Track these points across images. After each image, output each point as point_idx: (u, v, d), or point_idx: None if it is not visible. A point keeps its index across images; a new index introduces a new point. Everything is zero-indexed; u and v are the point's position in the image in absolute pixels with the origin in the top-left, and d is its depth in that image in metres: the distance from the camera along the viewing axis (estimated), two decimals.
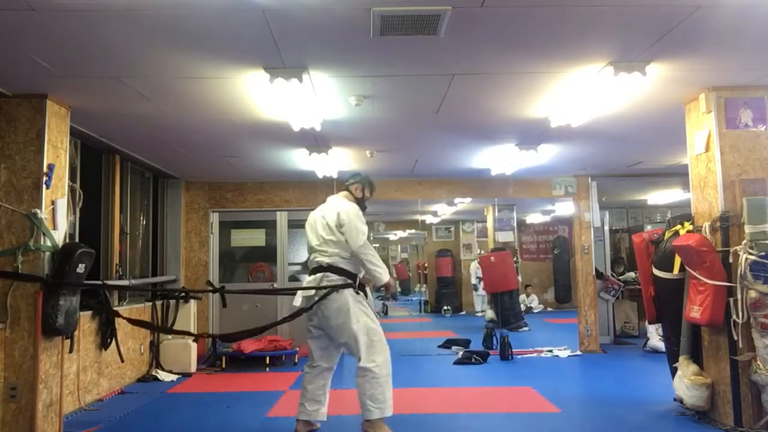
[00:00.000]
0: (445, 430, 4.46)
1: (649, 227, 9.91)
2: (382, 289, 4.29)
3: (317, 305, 4.07)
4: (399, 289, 17.57)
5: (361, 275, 4.19)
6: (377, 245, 16.60)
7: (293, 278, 8.49)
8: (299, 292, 4.26)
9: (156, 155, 6.53)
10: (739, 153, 4.29)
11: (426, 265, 14.54)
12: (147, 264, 7.33)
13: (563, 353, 7.63)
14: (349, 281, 4.10)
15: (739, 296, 4.00)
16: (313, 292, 4.11)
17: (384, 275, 4.14)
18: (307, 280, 4.25)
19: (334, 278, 4.09)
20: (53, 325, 4.13)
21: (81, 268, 4.28)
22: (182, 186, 7.94)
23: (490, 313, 10.37)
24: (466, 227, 13.99)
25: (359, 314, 4.04)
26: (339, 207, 4.26)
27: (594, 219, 8.11)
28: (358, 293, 4.12)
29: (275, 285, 8.22)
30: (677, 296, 4.52)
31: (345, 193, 4.50)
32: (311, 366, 4.25)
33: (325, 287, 4.06)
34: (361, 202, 4.46)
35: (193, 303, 7.08)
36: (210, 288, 4.67)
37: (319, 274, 4.14)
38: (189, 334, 5.44)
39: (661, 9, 3.08)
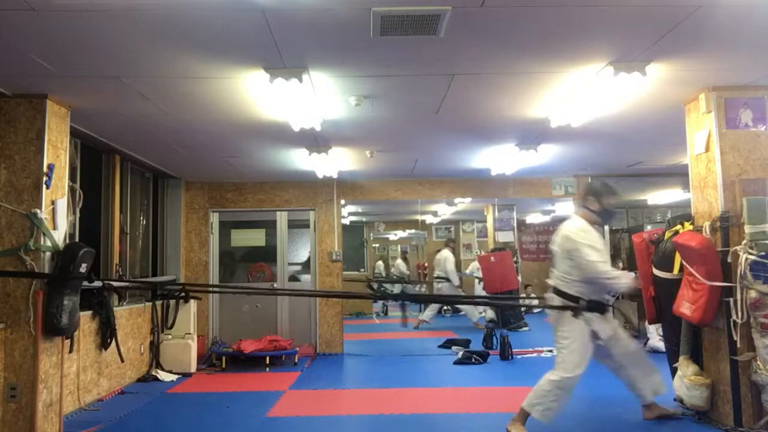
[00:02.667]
0: (445, 430, 4.47)
1: (649, 227, 9.91)
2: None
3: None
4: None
5: (586, 297, 4.14)
6: (377, 245, 16.60)
7: (293, 278, 8.50)
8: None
9: (156, 155, 6.53)
10: (739, 153, 4.29)
11: (426, 265, 14.54)
12: (147, 264, 7.33)
13: None
14: (570, 303, 4.15)
15: (739, 296, 3.99)
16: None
17: (619, 284, 4.17)
18: (545, 297, 4.40)
19: (556, 300, 4.23)
20: (58, 324, 4.13)
21: (84, 268, 4.29)
22: (182, 186, 7.94)
23: (490, 313, 10.37)
24: (466, 227, 13.99)
25: (563, 336, 4.17)
26: (565, 229, 4.24)
27: None
28: (575, 316, 4.12)
29: (275, 285, 8.22)
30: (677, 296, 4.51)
31: (582, 211, 4.34)
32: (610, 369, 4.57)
33: (549, 305, 4.27)
34: (603, 214, 4.31)
35: (193, 303, 7.08)
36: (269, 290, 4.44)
37: (550, 295, 4.29)
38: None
39: (662, 9, 3.08)
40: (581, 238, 4.11)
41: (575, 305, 4.12)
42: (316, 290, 8.02)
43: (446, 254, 11.27)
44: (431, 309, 11.05)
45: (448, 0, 2.92)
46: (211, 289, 7.73)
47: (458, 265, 13.77)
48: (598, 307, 4.14)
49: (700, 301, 4.09)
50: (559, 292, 4.21)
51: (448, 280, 10.95)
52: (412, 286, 13.86)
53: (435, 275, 11.32)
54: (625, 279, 4.16)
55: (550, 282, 4.30)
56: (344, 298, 8.21)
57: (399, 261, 15.32)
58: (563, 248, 4.18)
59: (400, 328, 11.10)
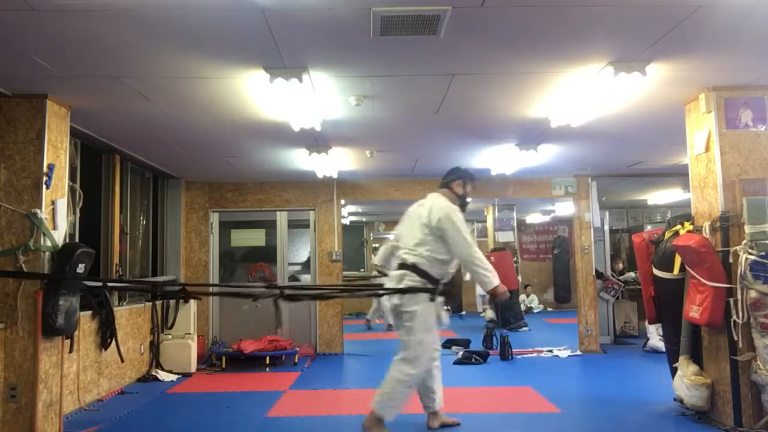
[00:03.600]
0: (445, 430, 4.46)
1: (649, 227, 9.92)
2: (494, 296, 4.13)
3: (394, 298, 4.02)
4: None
5: (443, 281, 4.06)
6: (377, 245, 16.60)
7: (293, 278, 8.50)
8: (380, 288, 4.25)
9: (156, 155, 6.53)
10: (739, 153, 4.29)
11: None
12: (147, 264, 7.33)
13: (563, 353, 7.63)
14: (429, 285, 4.01)
15: (739, 296, 3.99)
16: (388, 290, 4.07)
17: (492, 279, 4.02)
18: (390, 275, 4.18)
19: (414, 279, 4.02)
20: (53, 325, 4.13)
21: (81, 268, 4.28)
22: (182, 186, 7.94)
23: (490, 313, 10.38)
24: None
25: (422, 324, 3.98)
26: (440, 210, 4.10)
27: (594, 219, 8.11)
28: (433, 300, 4.02)
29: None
30: (677, 296, 4.52)
31: (445, 191, 4.34)
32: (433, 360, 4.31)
33: (402, 289, 3.99)
34: (462, 199, 4.33)
35: (193, 303, 7.07)
36: (274, 293, 4.00)
37: (401, 272, 4.07)
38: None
39: (662, 9, 3.08)
40: (459, 219, 4.05)
41: (433, 288, 3.98)
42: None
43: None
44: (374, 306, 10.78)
45: (448, 0, 2.92)
46: (211, 290, 7.73)
47: (457, 266, 13.77)
48: (446, 293, 4.09)
49: (706, 303, 4.09)
50: (420, 272, 4.00)
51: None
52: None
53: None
54: (496, 277, 4.03)
55: (410, 258, 4.05)
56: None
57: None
58: (437, 225, 4.01)
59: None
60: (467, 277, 11.80)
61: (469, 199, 4.42)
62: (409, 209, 4.39)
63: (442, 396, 4.37)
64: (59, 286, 4.17)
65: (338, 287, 6.23)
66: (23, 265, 4.13)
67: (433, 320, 4.07)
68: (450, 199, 4.27)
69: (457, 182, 4.36)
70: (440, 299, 4.08)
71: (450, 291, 4.14)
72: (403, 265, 4.09)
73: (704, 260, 4.10)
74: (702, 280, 4.11)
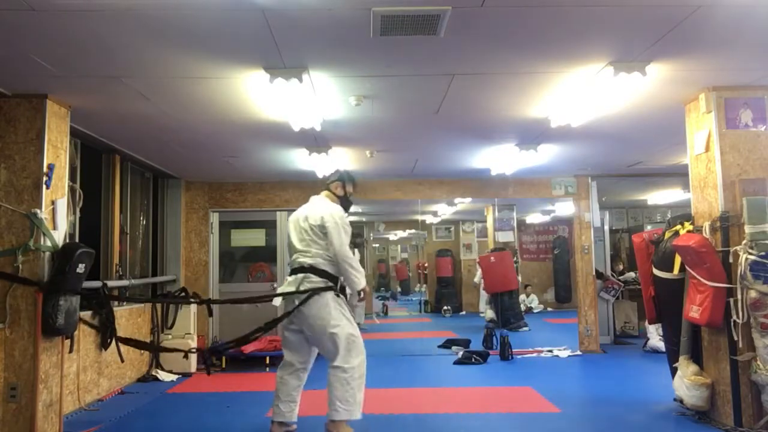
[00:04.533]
0: (445, 430, 4.46)
1: (649, 227, 9.92)
2: (360, 293, 4.20)
3: (297, 304, 4.04)
4: (399, 289, 17.37)
5: (342, 278, 4.17)
6: (377, 245, 16.60)
7: None
8: (278, 292, 4.27)
9: (156, 155, 6.53)
10: (739, 153, 4.29)
11: (426, 265, 14.54)
12: (147, 264, 7.33)
13: (563, 353, 7.63)
14: (330, 284, 4.09)
15: (739, 296, 4.00)
16: (294, 294, 4.08)
17: (361, 280, 4.14)
18: (288, 280, 4.22)
19: (315, 280, 4.07)
20: (53, 325, 4.13)
21: (81, 268, 4.28)
22: (182, 186, 7.93)
23: (490, 313, 10.38)
24: (466, 227, 13.98)
25: (339, 317, 4.04)
26: (322, 209, 4.23)
27: (594, 219, 8.11)
28: (338, 296, 4.11)
29: (275, 285, 8.21)
30: (677, 296, 4.52)
31: (326, 192, 4.45)
32: (285, 366, 4.26)
33: (305, 290, 4.04)
34: (343, 200, 4.43)
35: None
36: (196, 300, 4.55)
37: (300, 275, 4.12)
38: (178, 350, 4.75)
39: (661, 9, 3.08)
40: (343, 221, 4.16)
41: (333, 285, 4.07)
42: None
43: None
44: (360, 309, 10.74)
45: (448, 0, 2.92)
46: (211, 285, 7.72)
47: (457, 265, 13.77)
48: (343, 291, 4.15)
49: (706, 303, 4.09)
50: (319, 272, 4.07)
51: None
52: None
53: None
54: (363, 278, 4.16)
55: (307, 261, 4.10)
56: None
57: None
58: (326, 227, 4.09)
59: (401, 328, 11.11)
60: (477, 278, 11.84)
61: (351, 199, 4.52)
62: (291, 217, 4.47)
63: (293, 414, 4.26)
64: (59, 287, 4.17)
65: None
66: (21, 266, 4.13)
67: (348, 312, 4.13)
68: (332, 200, 4.37)
69: (336, 183, 4.44)
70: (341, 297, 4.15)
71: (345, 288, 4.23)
72: (300, 269, 4.13)
73: (704, 260, 4.10)
74: (702, 280, 4.11)
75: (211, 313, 4.24)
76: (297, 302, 4.05)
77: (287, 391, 4.20)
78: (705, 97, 4.37)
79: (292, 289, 4.10)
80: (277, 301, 4.24)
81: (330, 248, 4.10)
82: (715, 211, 4.29)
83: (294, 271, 4.20)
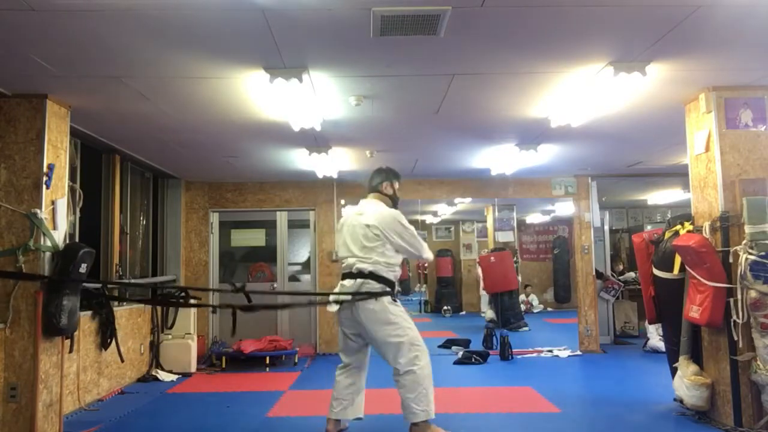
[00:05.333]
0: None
1: (649, 227, 9.92)
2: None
3: (356, 310, 4.00)
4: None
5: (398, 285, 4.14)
6: None
7: (293, 278, 8.49)
8: (332, 298, 4.19)
9: (156, 155, 6.53)
10: (739, 153, 4.29)
11: (426, 265, 14.54)
12: (147, 264, 7.33)
13: (563, 353, 7.63)
14: (388, 289, 4.03)
15: (739, 296, 3.99)
16: (348, 297, 4.02)
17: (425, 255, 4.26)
18: (345, 285, 4.11)
19: (375, 286, 4.01)
20: (57, 325, 4.13)
21: (83, 268, 4.29)
22: (182, 186, 7.94)
23: (490, 313, 10.38)
24: (466, 227, 13.99)
25: (399, 322, 3.99)
26: (380, 213, 4.14)
27: (594, 219, 8.11)
28: (395, 300, 4.06)
29: (275, 285, 8.22)
30: (677, 296, 4.52)
31: (376, 195, 4.34)
32: (341, 366, 4.25)
33: (363, 293, 3.99)
34: (394, 199, 4.36)
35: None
36: (231, 288, 4.20)
37: (359, 280, 4.03)
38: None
39: (661, 9, 3.08)
40: (406, 222, 4.14)
41: (390, 291, 4.03)
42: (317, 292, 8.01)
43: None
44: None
45: (448, 0, 2.92)
46: (211, 285, 7.73)
47: (457, 265, 13.79)
48: (393, 294, 4.10)
49: (706, 303, 4.09)
50: (378, 278, 4.01)
51: None
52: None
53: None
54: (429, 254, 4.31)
55: (367, 267, 4.01)
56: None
57: None
58: (391, 232, 4.04)
59: None
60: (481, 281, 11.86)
61: (398, 195, 4.49)
62: (342, 220, 4.42)
63: (357, 411, 4.27)
64: (63, 286, 4.18)
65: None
66: (23, 266, 4.13)
67: (406, 314, 4.10)
68: (385, 203, 4.30)
69: (385, 184, 4.38)
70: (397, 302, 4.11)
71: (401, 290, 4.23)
72: (359, 274, 4.05)
73: (704, 260, 4.10)
74: (702, 280, 4.11)
75: (249, 300, 3.84)
76: (353, 307, 4.00)
77: (340, 389, 4.19)
78: (705, 97, 4.37)
79: (351, 292, 4.04)
80: (333, 307, 4.13)
81: (389, 254, 4.06)
82: (715, 211, 4.29)
83: (351, 276, 4.08)
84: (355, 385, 4.23)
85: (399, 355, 3.95)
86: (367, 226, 4.09)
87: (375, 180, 4.40)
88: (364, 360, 4.28)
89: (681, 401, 4.48)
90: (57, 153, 4.39)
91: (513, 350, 7.44)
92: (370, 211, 4.19)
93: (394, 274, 4.09)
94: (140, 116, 4.83)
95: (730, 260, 4.12)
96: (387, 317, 3.97)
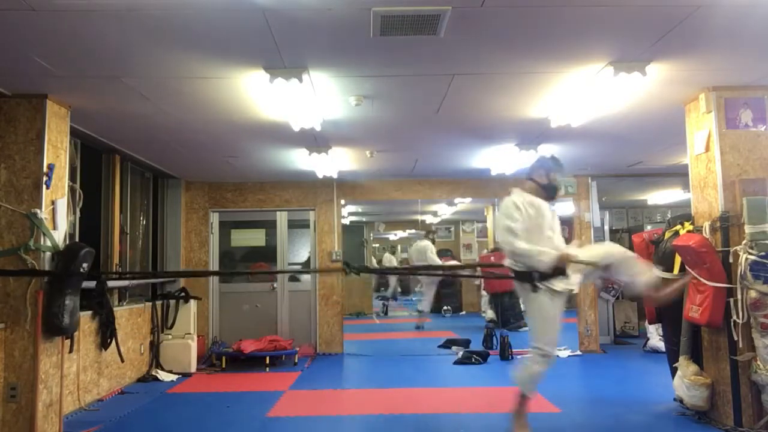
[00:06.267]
0: (445, 430, 4.47)
1: (649, 227, 9.91)
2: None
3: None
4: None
5: (536, 269, 3.91)
6: (377, 245, 16.60)
7: (293, 278, 8.49)
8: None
9: (156, 155, 6.53)
10: (739, 153, 4.29)
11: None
12: (147, 264, 7.32)
13: (563, 353, 7.62)
14: (524, 278, 3.99)
15: (739, 296, 4.00)
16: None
17: (536, 260, 3.85)
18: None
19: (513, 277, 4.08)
20: (60, 324, 4.14)
21: (84, 268, 4.30)
22: (182, 186, 7.94)
23: (490, 313, 10.38)
24: (466, 227, 13.99)
25: (535, 312, 4.05)
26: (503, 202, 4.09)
27: (594, 219, 8.11)
28: (535, 289, 3.91)
29: (275, 285, 8.23)
30: (677, 296, 4.52)
31: (529, 183, 4.21)
32: None
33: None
34: (548, 188, 4.18)
35: (193, 303, 7.09)
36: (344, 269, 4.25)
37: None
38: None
39: (661, 9, 3.08)
40: (507, 210, 3.97)
41: (529, 277, 3.92)
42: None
43: (426, 243, 11.33)
44: (426, 299, 11.10)
45: (448, 0, 2.92)
46: (211, 285, 7.73)
47: None
48: (556, 272, 3.87)
49: (706, 303, 4.09)
50: (513, 272, 4.04)
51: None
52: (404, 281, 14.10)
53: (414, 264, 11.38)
54: (546, 257, 3.84)
55: (507, 261, 4.09)
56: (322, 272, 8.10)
57: (387, 255, 15.40)
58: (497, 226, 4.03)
59: (400, 328, 11.11)
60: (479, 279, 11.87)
61: (556, 184, 4.26)
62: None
63: None
64: (65, 286, 4.18)
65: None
66: (33, 263, 4.14)
67: (545, 308, 3.97)
68: (530, 191, 4.15)
69: (539, 173, 4.23)
70: (546, 287, 3.91)
71: (549, 274, 3.89)
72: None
73: (704, 260, 4.10)
74: (702, 279, 4.11)
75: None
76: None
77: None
78: (705, 97, 4.37)
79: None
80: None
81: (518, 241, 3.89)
82: (715, 211, 4.29)
83: None
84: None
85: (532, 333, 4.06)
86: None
87: (532, 169, 4.30)
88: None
89: (681, 401, 4.48)
90: (57, 153, 4.39)
91: (513, 350, 7.43)
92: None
93: (523, 262, 3.90)
94: (140, 116, 4.83)
95: (730, 260, 4.12)
96: (526, 307, 4.06)
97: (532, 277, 3.91)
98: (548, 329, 4.00)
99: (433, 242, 11.67)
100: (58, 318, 4.13)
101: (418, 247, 11.47)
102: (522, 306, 4.21)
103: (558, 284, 3.94)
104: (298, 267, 8.62)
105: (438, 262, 11.09)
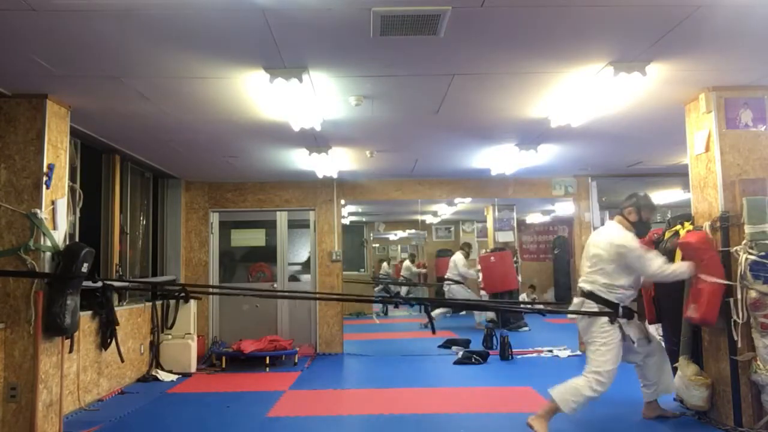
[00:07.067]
0: (445, 430, 4.46)
1: None
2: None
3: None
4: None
5: (623, 304, 4.23)
6: (377, 245, 16.59)
7: (293, 278, 8.50)
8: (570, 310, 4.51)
9: (156, 155, 6.53)
10: (739, 153, 4.29)
11: (426, 265, 14.54)
12: (147, 264, 7.33)
13: (563, 353, 7.62)
14: (607, 309, 4.18)
15: (739, 296, 4.00)
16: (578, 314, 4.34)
17: (684, 271, 4.17)
18: (574, 301, 4.42)
19: (592, 306, 4.22)
20: (61, 325, 4.15)
21: (85, 268, 4.30)
22: (182, 186, 7.94)
23: (490, 313, 10.37)
24: (466, 227, 13.99)
25: (601, 346, 4.17)
26: (606, 236, 4.27)
27: (594, 219, 8.11)
28: (613, 322, 4.16)
29: (275, 285, 8.23)
30: (677, 296, 4.51)
31: (619, 218, 4.38)
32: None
33: (583, 312, 4.26)
34: (638, 226, 4.34)
35: (193, 303, 7.08)
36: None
37: (582, 299, 4.30)
38: None
39: (661, 9, 3.08)
40: (636, 245, 4.17)
41: (611, 312, 4.15)
42: (317, 293, 8.01)
43: (456, 257, 11.30)
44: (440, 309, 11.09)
45: (448, 0, 2.92)
46: (211, 290, 7.73)
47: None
48: (628, 313, 4.25)
49: (701, 300, 4.09)
50: (597, 298, 4.21)
51: (458, 283, 10.94)
52: (421, 289, 13.95)
53: (446, 277, 11.31)
54: (685, 268, 4.17)
55: (586, 287, 4.26)
56: (348, 300, 8.14)
57: (407, 263, 15.24)
58: (615, 255, 4.15)
59: (400, 328, 11.11)
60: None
61: (648, 223, 4.45)
62: (590, 238, 4.56)
63: (667, 388, 4.54)
64: (66, 286, 4.18)
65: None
66: (33, 264, 4.14)
67: (615, 340, 4.17)
68: (624, 227, 4.31)
69: (630, 209, 4.36)
70: (624, 320, 4.22)
71: (632, 312, 4.34)
72: (581, 293, 4.32)
73: (701, 256, 4.09)
74: (700, 276, 4.11)
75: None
76: (583, 323, 4.28)
77: (639, 376, 4.63)
78: (705, 97, 4.37)
79: (578, 308, 4.34)
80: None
81: (614, 276, 4.17)
82: (715, 211, 4.29)
83: (580, 293, 4.36)
84: (645, 368, 4.54)
85: (588, 363, 4.24)
86: (596, 244, 4.28)
87: (624, 204, 4.43)
88: (640, 354, 4.48)
89: (681, 401, 4.48)
90: (57, 153, 4.39)
91: (513, 350, 7.43)
92: (604, 232, 4.40)
93: (616, 296, 4.18)
94: (140, 116, 4.83)
95: (730, 260, 4.12)
96: (592, 332, 4.20)
97: (617, 308, 4.18)
98: (611, 360, 4.16)
99: (467, 256, 11.58)
100: (60, 318, 4.13)
101: (453, 260, 11.42)
102: (581, 331, 4.34)
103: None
104: (299, 267, 8.62)
105: (471, 273, 11.02)
